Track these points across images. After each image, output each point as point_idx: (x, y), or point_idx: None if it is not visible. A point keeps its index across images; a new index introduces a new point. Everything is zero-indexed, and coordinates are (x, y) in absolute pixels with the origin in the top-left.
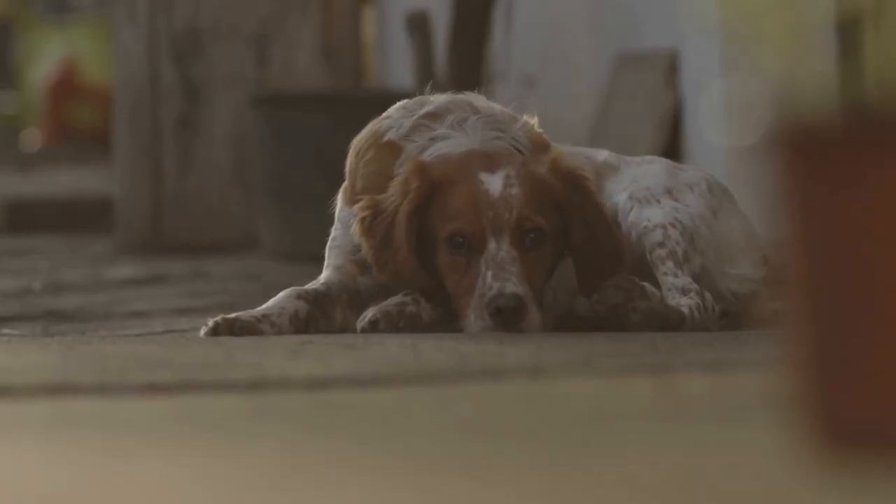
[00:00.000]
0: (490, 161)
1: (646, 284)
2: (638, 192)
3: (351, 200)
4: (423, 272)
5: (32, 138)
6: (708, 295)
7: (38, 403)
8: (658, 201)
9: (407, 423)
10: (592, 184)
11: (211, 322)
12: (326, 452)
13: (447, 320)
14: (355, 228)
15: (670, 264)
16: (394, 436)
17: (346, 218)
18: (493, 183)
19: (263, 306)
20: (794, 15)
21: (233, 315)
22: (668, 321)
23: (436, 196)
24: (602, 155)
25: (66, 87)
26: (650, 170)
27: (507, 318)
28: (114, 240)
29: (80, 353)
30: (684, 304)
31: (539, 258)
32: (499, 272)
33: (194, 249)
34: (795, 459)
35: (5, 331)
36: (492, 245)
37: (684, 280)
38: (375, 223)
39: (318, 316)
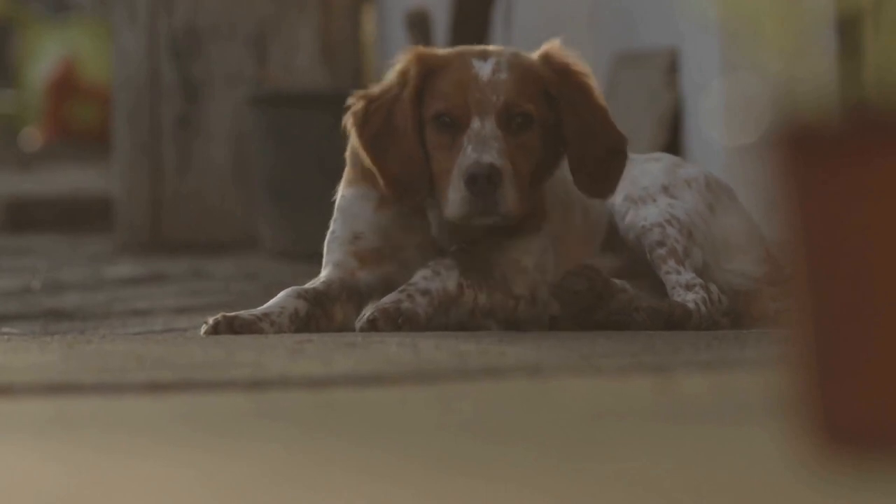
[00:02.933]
0: (483, 51)
1: (616, 281)
2: (634, 192)
3: (353, 180)
4: (426, 162)
5: (32, 137)
6: (713, 287)
7: (37, 402)
8: (654, 200)
9: (407, 422)
10: (588, 77)
11: (211, 320)
12: (326, 451)
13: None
14: (348, 122)
15: (672, 262)
16: (394, 435)
17: (345, 204)
18: (484, 68)
19: (264, 306)
20: (794, 14)
21: (233, 313)
22: (673, 319)
23: (429, 81)
24: None
25: (66, 86)
26: (651, 168)
27: (481, 186)
28: (113, 239)
29: (80, 351)
30: (690, 299)
31: (525, 143)
32: (479, 145)
33: (194, 248)
34: (795, 459)
35: (5, 329)
36: (475, 123)
37: (688, 276)
38: (371, 113)
39: (318, 315)
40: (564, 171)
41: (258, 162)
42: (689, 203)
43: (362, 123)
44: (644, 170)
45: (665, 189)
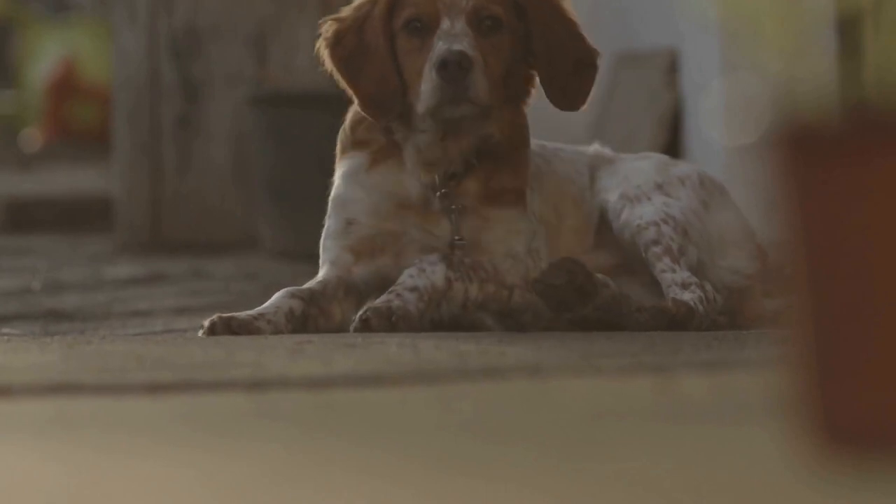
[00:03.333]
0: None
1: (599, 276)
2: (629, 190)
3: (343, 151)
4: (399, 78)
5: (32, 137)
6: (708, 286)
7: (37, 403)
8: (649, 198)
9: (407, 422)
10: None
11: (207, 321)
12: (327, 451)
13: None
14: (320, 47)
15: (667, 260)
16: (394, 435)
17: (337, 186)
18: None
19: (260, 307)
20: (794, 14)
21: (229, 314)
22: (676, 318)
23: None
24: (591, 148)
25: (66, 86)
26: (642, 166)
27: (451, 72)
28: (113, 239)
29: (80, 352)
30: (688, 298)
31: (496, 45)
32: (450, 39)
33: (194, 248)
34: (795, 459)
35: (5, 330)
36: (445, 24)
37: (683, 274)
38: (343, 34)
39: (315, 314)
40: (555, 163)
41: (258, 162)
42: (684, 201)
43: (334, 45)
44: (635, 168)
45: (659, 187)
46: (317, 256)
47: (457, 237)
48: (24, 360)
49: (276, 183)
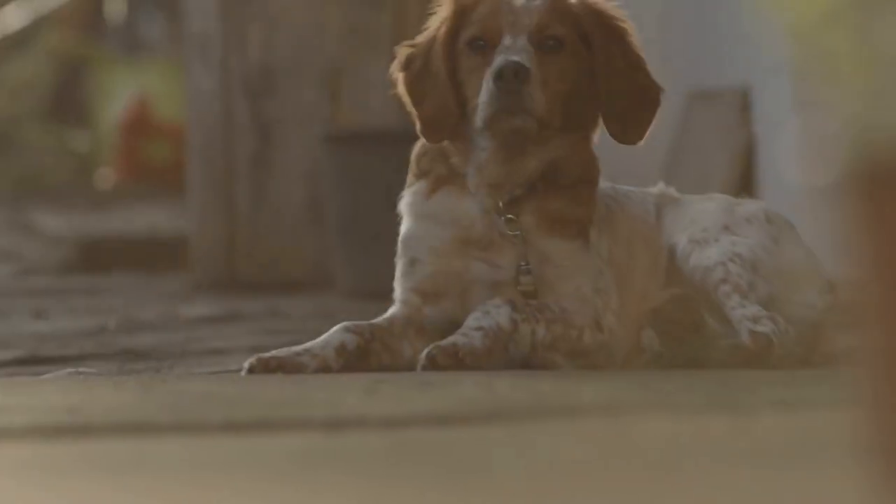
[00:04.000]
0: None
1: (708, 318)
2: (696, 234)
3: (410, 183)
4: (459, 99)
5: (106, 176)
6: (780, 318)
7: (115, 442)
8: (716, 240)
9: (484, 461)
10: (624, 22)
11: (247, 364)
12: (404, 491)
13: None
14: (393, 72)
15: (736, 297)
16: (471, 474)
17: (404, 224)
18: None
19: (309, 342)
20: (869, 53)
21: (268, 354)
22: (755, 354)
23: (464, 18)
24: (656, 188)
25: (139, 124)
26: (707, 208)
27: (507, 81)
28: (188, 277)
29: (157, 391)
30: (760, 331)
31: (557, 63)
32: (509, 52)
33: (268, 287)
34: (873, 500)
35: (81, 369)
36: (507, 40)
37: (753, 308)
38: (412, 59)
39: (378, 350)
40: (627, 205)
41: (331, 200)
42: (752, 238)
43: (403, 69)
44: (702, 210)
45: (726, 228)
46: (390, 294)
47: (522, 262)
48: (100, 400)
49: (350, 221)
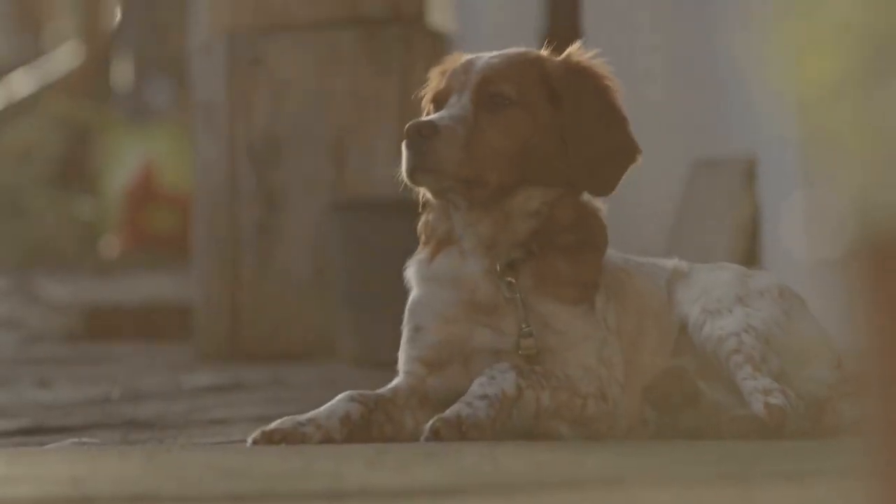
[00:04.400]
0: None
1: (702, 383)
2: (709, 304)
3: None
4: None
5: (111, 244)
6: (791, 392)
7: None
8: (730, 311)
9: None
10: (607, 80)
11: (250, 439)
12: None
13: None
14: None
15: (748, 368)
16: None
17: (410, 295)
18: (483, 58)
19: (313, 411)
20: (875, 126)
21: (272, 426)
22: (769, 426)
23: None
24: (671, 263)
25: (145, 192)
26: (720, 278)
27: (412, 140)
28: (192, 346)
29: (160, 461)
30: (772, 404)
31: (502, 121)
32: (450, 109)
33: (272, 356)
34: None
35: (85, 439)
36: (453, 99)
37: (765, 381)
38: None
39: (381, 421)
40: (638, 278)
41: (337, 269)
42: (766, 311)
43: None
44: (714, 280)
45: (740, 300)
46: (395, 364)
47: (524, 325)
48: (103, 470)
49: (355, 290)
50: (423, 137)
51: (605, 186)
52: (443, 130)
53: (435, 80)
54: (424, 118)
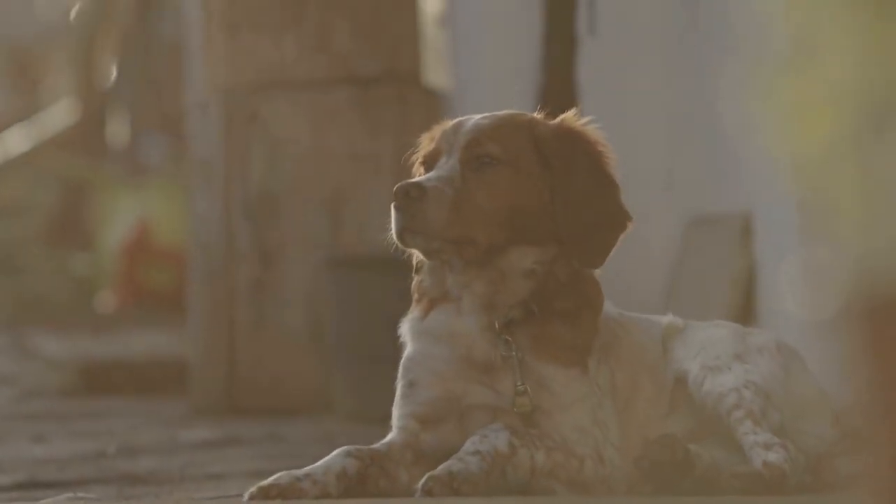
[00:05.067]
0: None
1: (692, 446)
2: (708, 360)
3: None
4: None
5: (106, 300)
6: (791, 446)
7: None
8: (729, 368)
9: None
10: (600, 145)
11: (246, 494)
12: None
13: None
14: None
15: (749, 423)
16: None
17: (404, 349)
18: (473, 119)
19: (310, 466)
20: (869, 185)
21: (268, 481)
22: (770, 483)
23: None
24: (666, 319)
25: (141, 248)
26: (717, 335)
27: (399, 202)
28: (188, 402)
29: None
30: (772, 459)
31: (487, 180)
32: (433, 173)
33: (269, 411)
34: None
35: (80, 495)
36: (441, 161)
37: (765, 436)
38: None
39: (376, 475)
40: (633, 333)
41: (333, 325)
42: (765, 367)
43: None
44: (711, 337)
45: (738, 357)
46: (390, 419)
47: (518, 383)
48: None
49: (351, 346)
50: (411, 199)
51: (595, 258)
52: (430, 192)
53: (425, 143)
54: (413, 180)
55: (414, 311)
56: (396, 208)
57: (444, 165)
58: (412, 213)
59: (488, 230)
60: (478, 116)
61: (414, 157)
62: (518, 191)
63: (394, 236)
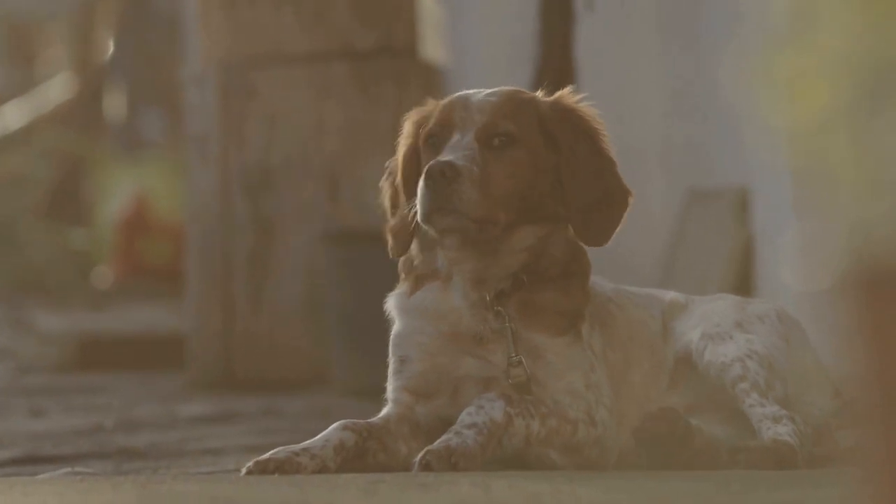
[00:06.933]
0: (492, 91)
1: (693, 421)
2: (709, 329)
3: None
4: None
5: (104, 275)
6: (798, 418)
7: None
8: (730, 336)
9: None
10: (595, 122)
11: (244, 468)
12: None
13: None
14: (381, 182)
15: (755, 395)
16: None
17: (393, 325)
18: (477, 95)
19: (308, 440)
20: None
21: (266, 455)
22: (782, 458)
23: (424, 126)
24: (669, 295)
25: (138, 223)
26: (718, 306)
27: (435, 181)
28: (185, 376)
29: (153, 491)
30: (781, 432)
31: (506, 159)
32: (449, 150)
33: (265, 386)
34: None
35: (78, 469)
36: (455, 137)
37: (773, 408)
38: (393, 169)
39: (375, 449)
40: (629, 309)
41: (330, 298)
42: (766, 336)
43: (385, 181)
44: (712, 308)
45: (739, 325)
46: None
47: (513, 354)
48: (97, 500)
49: (348, 320)
50: (445, 179)
51: (602, 236)
52: (464, 172)
53: (419, 118)
54: (444, 159)
55: (400, 287)
56: (429, 187)
57: (460, 143)
58: (447, 194)
59: (508, 209)
60: (483, 92)
61: (406, 134)
62: (532, 169)
63: (419, 215)
